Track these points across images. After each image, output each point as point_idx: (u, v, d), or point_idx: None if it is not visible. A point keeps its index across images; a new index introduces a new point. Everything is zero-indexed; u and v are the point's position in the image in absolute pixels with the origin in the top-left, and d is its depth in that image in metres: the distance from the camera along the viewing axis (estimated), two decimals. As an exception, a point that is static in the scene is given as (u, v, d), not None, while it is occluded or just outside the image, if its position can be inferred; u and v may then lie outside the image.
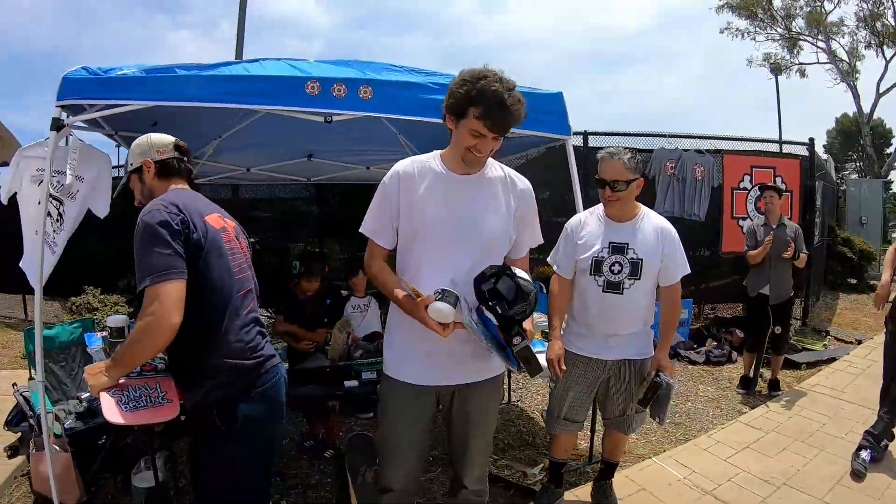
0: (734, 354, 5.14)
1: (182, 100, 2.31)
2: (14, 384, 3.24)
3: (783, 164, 6.22)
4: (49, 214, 2.54)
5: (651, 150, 5.83)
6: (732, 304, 6.64)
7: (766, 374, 4.41)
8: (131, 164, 1.81)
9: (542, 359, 1.73)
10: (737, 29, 18.46)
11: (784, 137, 14.49)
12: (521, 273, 1.61)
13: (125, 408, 1.55)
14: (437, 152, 1.77)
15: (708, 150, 5.92)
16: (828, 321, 6.47)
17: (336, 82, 2.43)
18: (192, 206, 1.62)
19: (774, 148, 6.52)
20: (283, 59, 2.74)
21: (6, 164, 6.66)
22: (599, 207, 2.42)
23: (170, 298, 1.45)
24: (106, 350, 1.75)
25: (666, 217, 5.81)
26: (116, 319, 2.00)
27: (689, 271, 2.38)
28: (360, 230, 1.75)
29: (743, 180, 5.90)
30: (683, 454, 3.28)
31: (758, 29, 18.20)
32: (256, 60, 2.73)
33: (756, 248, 4.11)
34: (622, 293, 2.28)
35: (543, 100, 2.81)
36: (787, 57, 18.45)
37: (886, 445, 3.09)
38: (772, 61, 18.36)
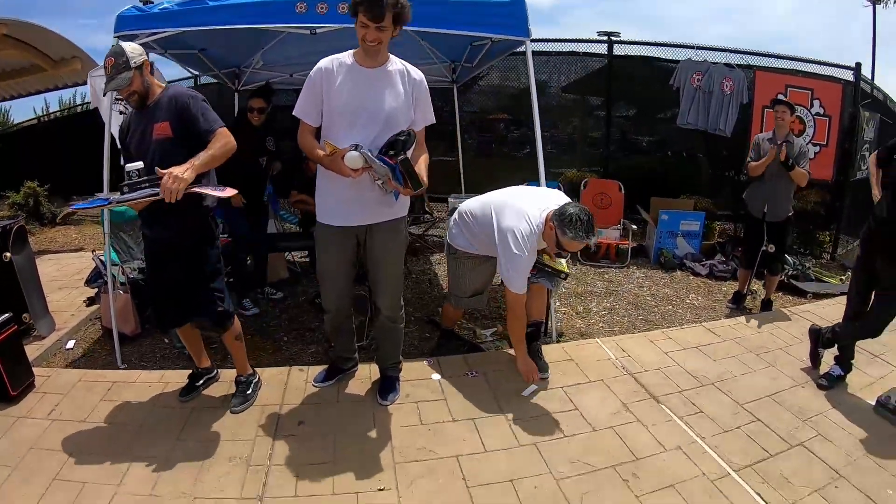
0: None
1: (202, 25, 3.16)
2: (93, 250, 4.41)
3: (823, 86, 6.08)
4: (121, 112, 3.53)
5: (678, 61, 6.01)
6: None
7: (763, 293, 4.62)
8: (134, 63, 2.39)
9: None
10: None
11: (877, 76, 13.31)
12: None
13: (218, 190, 2.37)
14: (352, 51, 2.43)
15: (740, 65, 5.97)
16: (859, 259, 6.41)
17: (319, 2, 3.06)
18: None
19: (815, 69, 6.27)
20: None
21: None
22: (537, 236, 2.85)
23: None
24: (129, 189, 2.29)
25: (689, 130, 6.08)
26: (134, 164, 2.38)
27: None
28: (293, 113, 2.47)
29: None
30: (628, 342, 3.73)
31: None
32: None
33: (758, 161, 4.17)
34: None
35: (502, 6, 3.33)
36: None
37: (841, 376, 3.25)
38: (870, -15, 16.43)
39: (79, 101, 12.29)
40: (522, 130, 7.84)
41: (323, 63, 2.42)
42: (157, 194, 2.22)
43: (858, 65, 6.30)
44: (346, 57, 2.42)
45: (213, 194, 2.37)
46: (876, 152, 3.43)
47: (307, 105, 2.45)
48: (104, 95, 2.69)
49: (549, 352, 3.39)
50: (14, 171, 9.84)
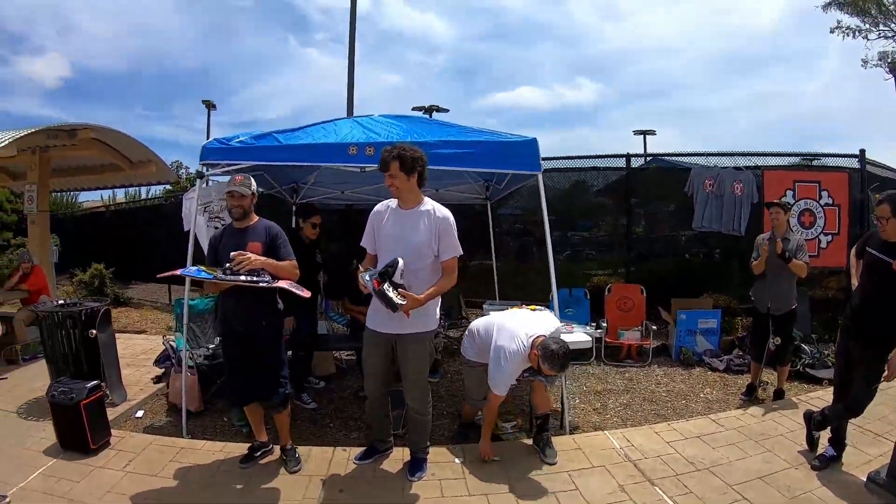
0: (755, 365, 5.86)
1: (272, 161, 4.16)
2: (164, 336, 5.35)
3: (829, 177, 6.72)
4: (216, 228, 4.60)
5: (690, 168, 6.85)
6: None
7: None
8: (251, 190, 3.50)
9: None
10: (847, 27, 18.02)
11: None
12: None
13: (300, 290, 3.32)
14: None
15: (748, 167, 6.74)
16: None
17: (368, 146, 4.00)
18: None
19: (821, 162, 6.99)
20: (354, 119, 4.56)
21: (160, 182, 9.33)
22: (523, 356, 3.53)
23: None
24: (231, 273, 3.24)
25: (704, 232, 6.87)
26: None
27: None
28: (361, 244, 3.42)
29: (785, 195, 6.47)
30: (634, 433, 4.21)
31: (870, 26, 17.53)
32: (333, 121, 4.49)
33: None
34: None
35: (518, 146, 4.21)
36: (905, 55, 17.66)
37: (835, 456, 3.57)
38: (889, 60, 17.51)
39: (143, 196, 14.06)
40: (557, 234, 8.66)
41: (377, 207, 3.42)
42: (252, 282, 3.22)
43: (862, 151, 6.94)
44: (393, 202, 3.38)
45: (296, 292, 3.32)
46: (855, 245, 3.81)
47: (367, 238, 3.44)
48: (226, 192, 3.65)
49: (560, 442, 3.97)
50: (80, 252, 11.18)
